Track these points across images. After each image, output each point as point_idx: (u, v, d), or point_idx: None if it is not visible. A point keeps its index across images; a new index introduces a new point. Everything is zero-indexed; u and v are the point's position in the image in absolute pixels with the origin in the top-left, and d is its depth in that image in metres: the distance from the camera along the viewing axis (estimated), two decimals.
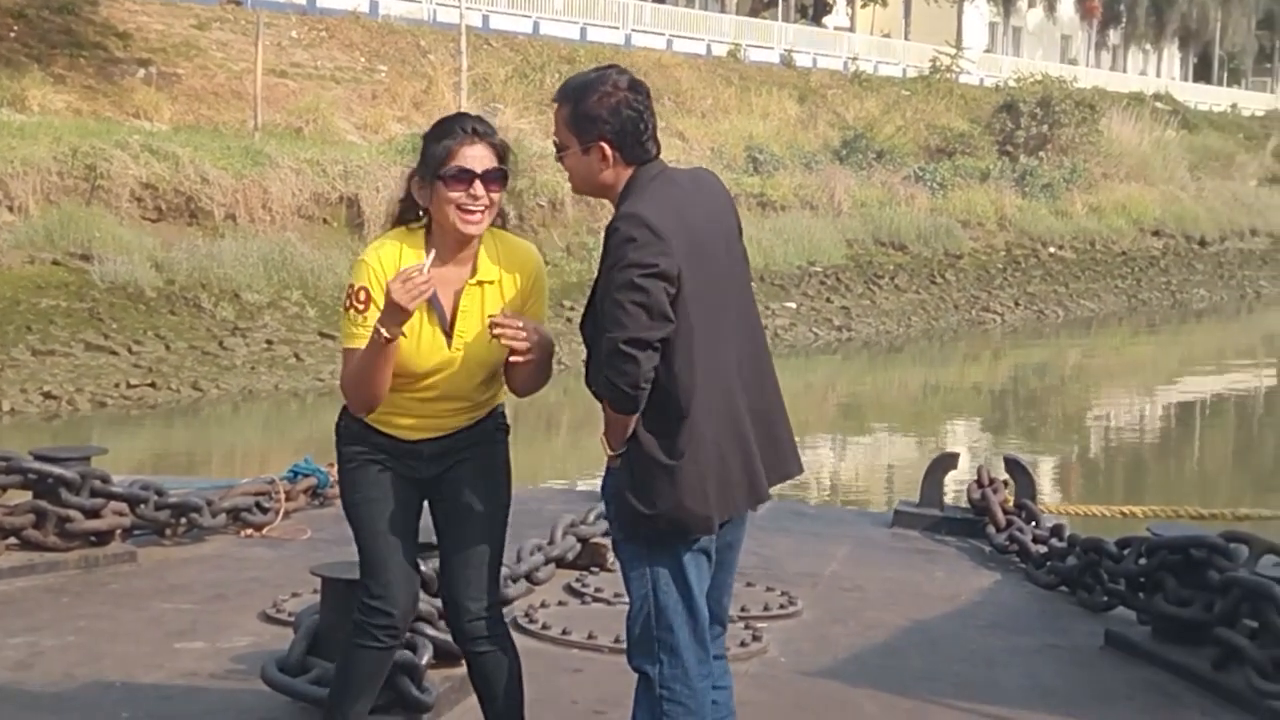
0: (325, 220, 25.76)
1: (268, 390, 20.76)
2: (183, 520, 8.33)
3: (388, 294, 4.42)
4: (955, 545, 9.01)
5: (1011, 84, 51.00)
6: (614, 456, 4.38)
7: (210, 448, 18.80)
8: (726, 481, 4.41)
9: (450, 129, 4.64)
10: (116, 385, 19.93)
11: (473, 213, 4.57)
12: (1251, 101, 77.14)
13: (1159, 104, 61.51)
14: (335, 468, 4.99)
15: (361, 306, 4.55)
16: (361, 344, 4.53)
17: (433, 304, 4.61)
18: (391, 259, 4.61)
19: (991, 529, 8.83)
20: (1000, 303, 34.53)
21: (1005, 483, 9.17)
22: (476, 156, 4.59)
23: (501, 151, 4.67)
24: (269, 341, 21.96)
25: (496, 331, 4.53)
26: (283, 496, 8.77)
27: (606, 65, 4.59)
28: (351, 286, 4.58)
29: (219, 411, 20.12)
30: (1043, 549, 8.30)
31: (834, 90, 48.36)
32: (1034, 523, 8.74)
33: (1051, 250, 39.22)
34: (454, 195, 4.55)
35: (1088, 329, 34.93)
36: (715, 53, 48.81)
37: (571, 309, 26.31)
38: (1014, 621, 7.53)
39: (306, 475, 9.14)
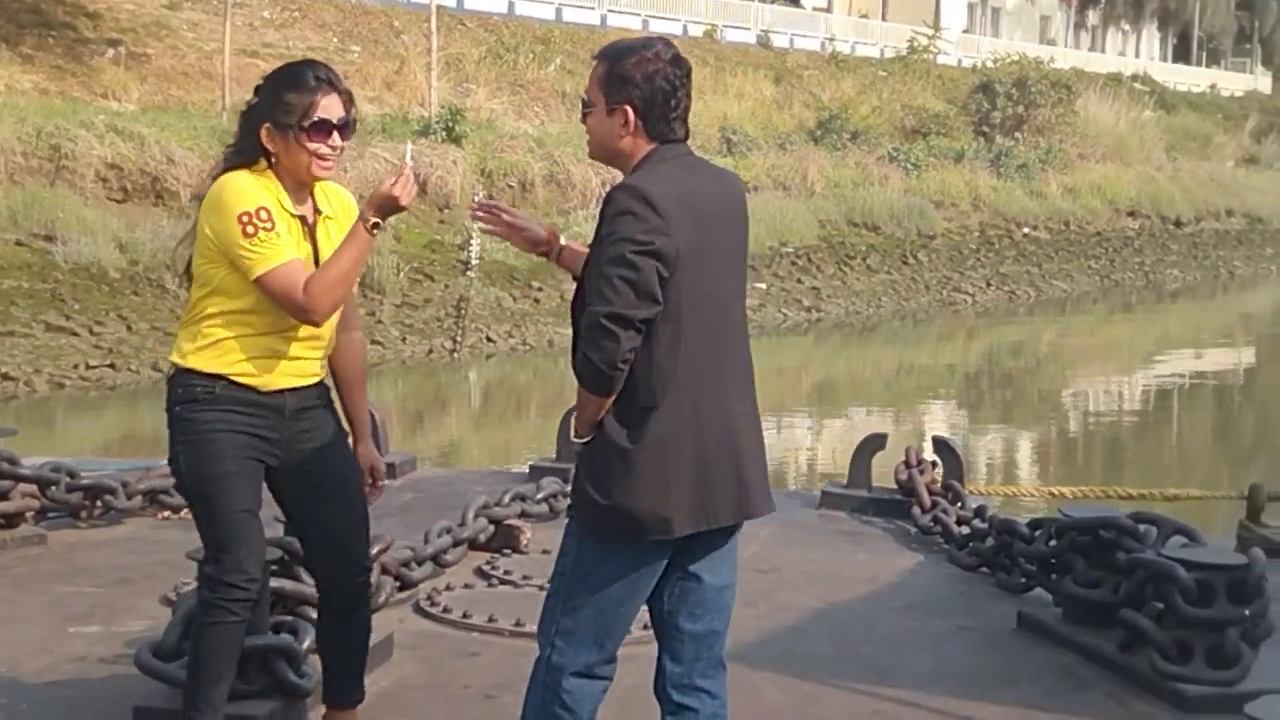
0: None
1: None
2: (98, 502, 8.24)
3: (386, 192, 4.60)
4: (881, 527, 8.93)
5: (989, 65, 50.89)
6: (580, 442, 4.24)
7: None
8: (707, 487, 4.19)
9: (304, 79, 4.71)
10: (75, 366, 19.82)
11: (328, 160, 4.72)
12: (1230, 82, 77.15)
13: (1137, 85, 61.49)
14: (172, 434, 4.79)
15: (271, 225, 4.59)
16: (289, 255, 4.61)
17: (308, 234, 4.76)
18: (261, 186, 4.67)
19: (917, 510, 8.76)
20: (972, 283, 34.46)
21: (934, 464, 9.10)
22: (333, 106, 4.70)
23: (349, 99, 4.78)
24: None
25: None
26: None
27: (656, 36, 4.45)
28: (247, 212, 4.56)
29: None
30: (965, 530, 8.24)
31: (810, 71, 48.24)
32: (959, 504, 8.67)
33: (1025, 231, 39.16)
34: (314, 146, 4.67)
35: (1060, 310, 34.85)
36: (691, 33, 48.64)
37: (539, 289, 26.25)
38: (929, 603, 7.46)
39: None
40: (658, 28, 47.19)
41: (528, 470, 9.66)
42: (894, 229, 35.28)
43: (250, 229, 4.56)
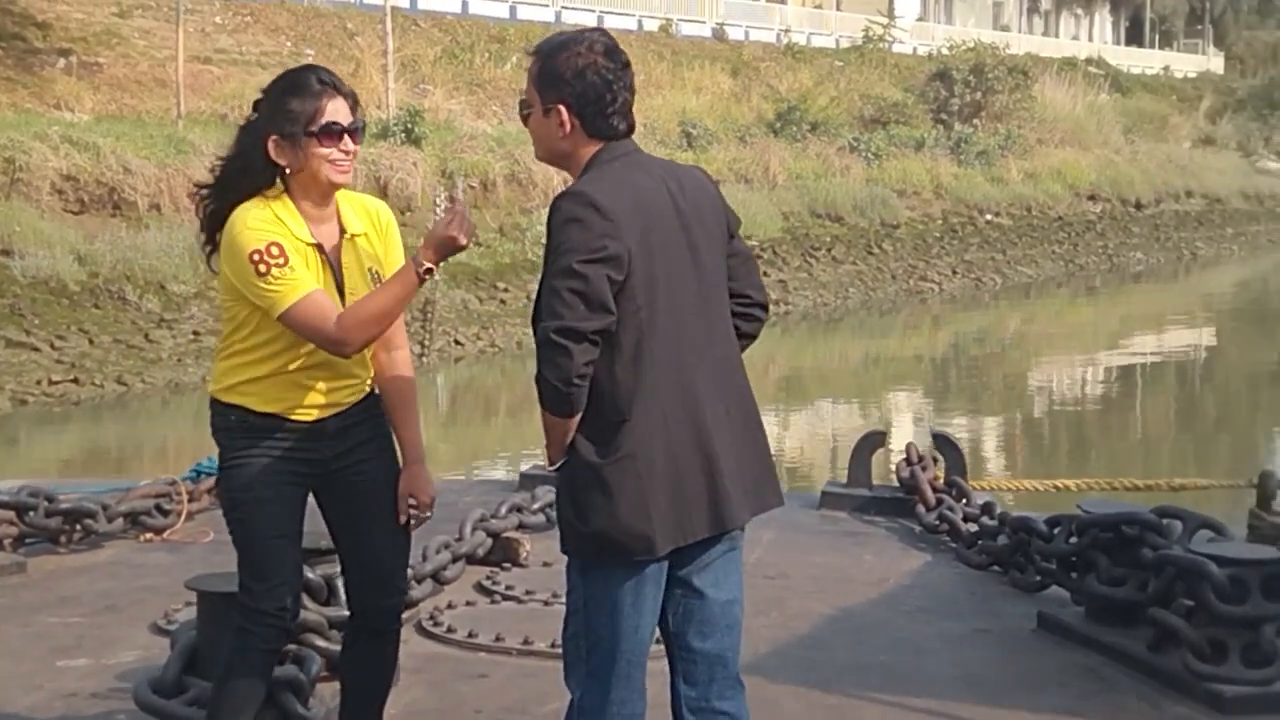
0: None
1: (195, 383, 20.28)
2: (77, 527, 7.94)
3: (443, 234, 4.28)
4: (885, 526, 8.72)
5: (944, 52, 50.82)
6: (553, 469, 4.03)
7: (140, 443, 18.40)
8: (681, 500, 3.97)
9: (307, 84, 4.48)
10: (38, 382, 19.51)
11: (342, 165, 4.48)
12: (1183, 63, 77.35)
13: (1092, 68, 61.57)
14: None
15: (284, 260, 4.37)
16: (309, 288, 4.37)
17: (328, 260, 4.52)
18: (271, 220, 4.44)
19: (921, 508, 8.55)
20: (938, 272, 34.37)
21: (935, 459, 8.89)
22: (340, 110, 4.47)
23: (354, 102, 4.56)
24: (196, 333, 21.53)
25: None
26: (185, 498, 8.39)
27: (592, 28, 4.21)
28: (258, 250, 4.35)
29: (147, 406, 19.72)
30: (973, 528, 8.03)
31: (767, 63, 48.11)
32: (965, 500, 8.47)
33: (988, 218, 39.10)
34: (325, 151, 4.43)
35: (1026, 295, 34.80)
36: (647, 28, 48.44)
37: (505, 290, 26.03)
38: (944, 606, 7.24)
39: (210, 474, 8.76)
40: (613, 23, 46.85)
41: (518, 479, 9.39)
42: (857, 219, 35.14)
43: (263, 267, 4.35)
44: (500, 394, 22.88)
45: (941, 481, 8.73)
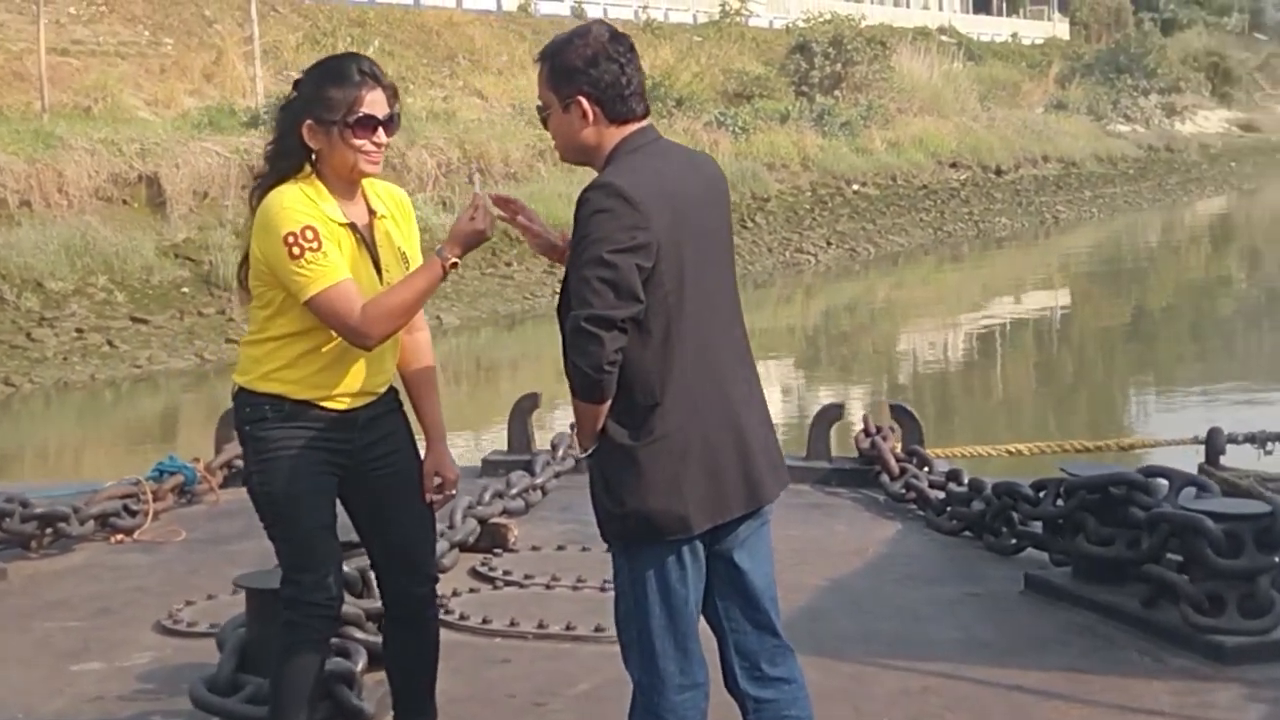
0: (125, 201, 24.81)
1: (83, 381, 19.99)
2: (49, 531, 7.84)
3: (468, 228, 4.41)
4: (849, 497, 8.86)
5: (801, 24, 51.15)
6: (585, 455, 4.13)
7: (23, 443, 18.06)
8: (717, 480, 4.09)
9: (348, 73, 4.55)
10: None
11: (373, 156, 4.56)
12: (1031, 30, 78.40)
13: (944, 37, 62.31)
14: (246, 454, 4.71)
15: (318, 245, 4.43)
16: (340, 276, 4.43)
17: (363, 238, 4.59)
18: (306, 202, 4.51)
19: (885, 478, 8.69)
20: (812, 243, 34.61)
21: (892, 429, 9.04)
22: (378, 102, 4.55)
23: (393, 93, 4.63)
24: (79, 330, 21.13)
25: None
26: (150, 497, 8.33)
27: (591, 21, 4.32)
28: (293, 233, 4.41)
29: (31, 407, 19.34)
30: (940, 495, 8.18)
31: None
32: (927, 468, 8.63)
33: (855, 188, 39.39)
34: (359, 142, 4.52)
35: (896, 264, 35.19)
36: (506, 8, 48.19)
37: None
38: (928, 572, 7.40)
39: (173, 473, 8.71)
40: (472, 4, 46.50)
41: (480, 465, 9.38)
42: (729, 193, 35.20)
43: (296, 250, 4.41)
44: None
45: (900, 451, 8.89)
